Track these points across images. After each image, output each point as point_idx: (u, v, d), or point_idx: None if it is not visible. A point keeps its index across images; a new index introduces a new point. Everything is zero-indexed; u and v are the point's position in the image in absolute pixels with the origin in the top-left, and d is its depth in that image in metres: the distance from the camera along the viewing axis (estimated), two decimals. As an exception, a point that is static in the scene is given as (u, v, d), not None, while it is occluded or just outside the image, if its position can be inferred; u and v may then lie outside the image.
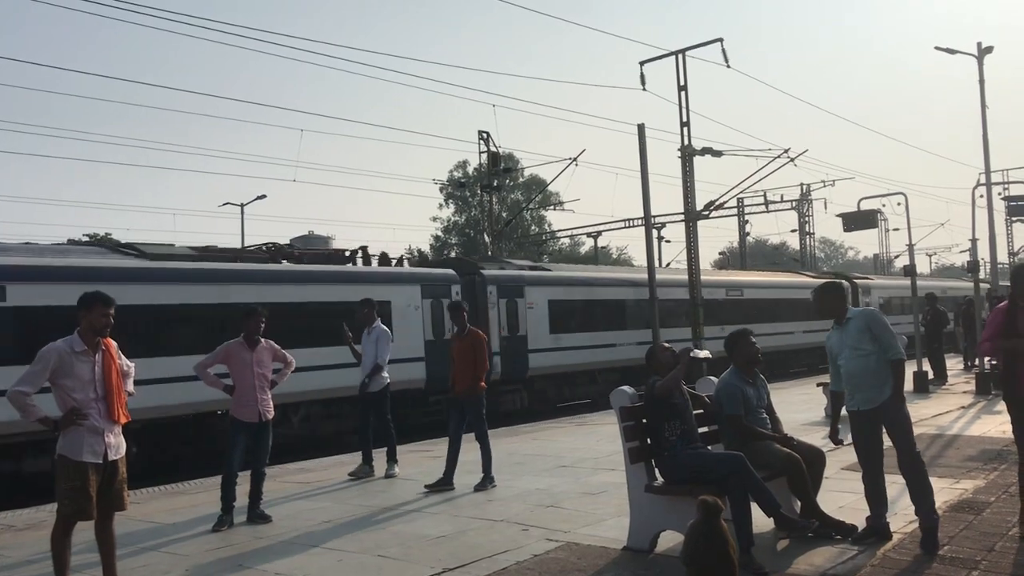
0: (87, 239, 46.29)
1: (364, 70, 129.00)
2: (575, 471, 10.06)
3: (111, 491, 5.67)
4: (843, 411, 6.55)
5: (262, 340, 8.23)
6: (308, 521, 8.01)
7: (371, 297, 11.24)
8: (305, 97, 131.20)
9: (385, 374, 10.63)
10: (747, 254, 53.63)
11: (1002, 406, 6.73)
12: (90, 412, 5.54)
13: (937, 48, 21.83)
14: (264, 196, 44.60)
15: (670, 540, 6.24)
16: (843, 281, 7.36)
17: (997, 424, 11.65)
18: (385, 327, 10.82)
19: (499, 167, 33.90)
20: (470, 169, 61.18)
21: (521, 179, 63.41)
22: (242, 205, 44.72)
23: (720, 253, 74.04)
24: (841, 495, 7.50)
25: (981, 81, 21.46)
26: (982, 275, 24.16)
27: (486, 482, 9.19)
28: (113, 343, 5.87)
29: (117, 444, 5.70)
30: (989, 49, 21.50)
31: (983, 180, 22.31)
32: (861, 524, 6.36)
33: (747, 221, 48.99)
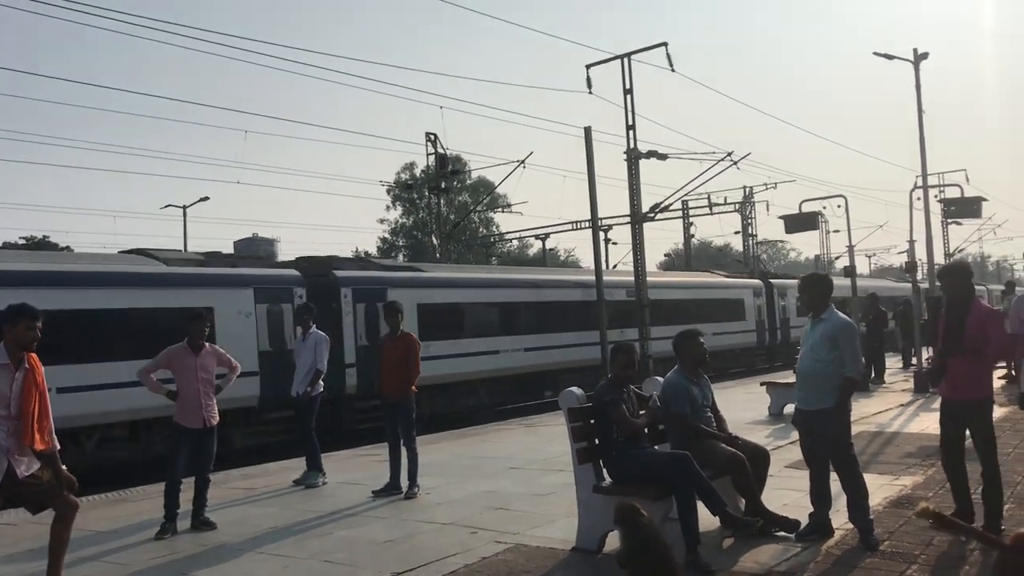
0: (24, 242, 45.16)
1: (309, 71, 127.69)
2: (525, 473, 10.07)
3: (35, 497, 5.47)
4: None
5: (206, 345, 8.10)
6: (253, 527, 7.89)
7: (310, 303, 10.91)
8: (249, 98, 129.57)
9: (321, 381, 10.42)
10: (692, 256, 54.19)
11: (939, 403, 6.88)
12: None
13: (875, 54, 22.23)
14: (207, 198, 44.18)
15: (618, 540, 6.27)
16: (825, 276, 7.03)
17: (935, 421, 11.80)
18: (323, 332, 10.53)
19: (447, 169, 33.75)
20: (417, 171, 60.89)
21: (469, 181, 63.29)
22: (184, 207, 43.98)
23: (665, 255, 74.70)
24: (786, 492, 7.62)
25: (917, 87, 21.88)
26: (920, 275, 24.72)
27: (413, 488, 9.07)
28: (40, 365, 5.53)
29: (27, 464, 5.40)
30: (925, 55, 21.94)
31: (920, 183, 22.78)
32: (805, 521, 6.46)
33: (692, 223, 49.37)
